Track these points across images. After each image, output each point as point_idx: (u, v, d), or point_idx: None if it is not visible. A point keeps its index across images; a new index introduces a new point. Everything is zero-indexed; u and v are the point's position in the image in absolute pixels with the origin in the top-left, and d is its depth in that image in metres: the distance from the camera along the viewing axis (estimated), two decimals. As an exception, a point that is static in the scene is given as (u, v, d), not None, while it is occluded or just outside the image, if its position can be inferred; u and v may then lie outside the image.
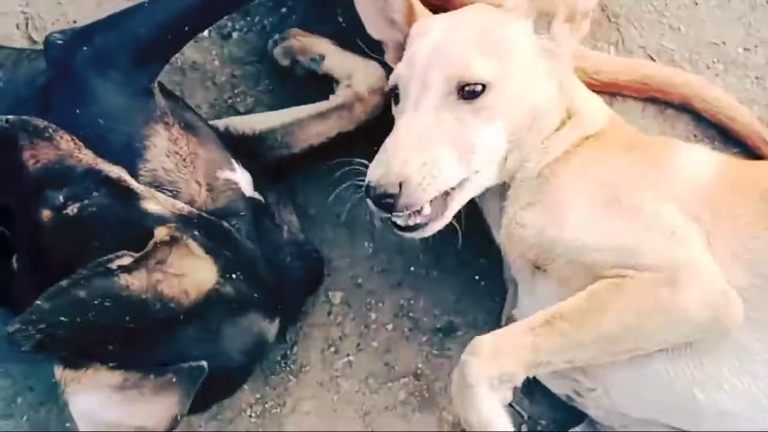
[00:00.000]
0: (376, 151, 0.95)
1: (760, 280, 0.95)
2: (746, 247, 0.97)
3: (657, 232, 0.96)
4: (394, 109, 1.04)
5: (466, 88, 0.98)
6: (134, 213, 1.02)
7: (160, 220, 1.01)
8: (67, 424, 1.17)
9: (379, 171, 0.93)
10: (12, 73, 1.16)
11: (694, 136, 1.22)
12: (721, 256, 0.96)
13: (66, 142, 1.04)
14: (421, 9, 1.10)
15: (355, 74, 1.19)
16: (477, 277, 1.18)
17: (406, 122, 0.97)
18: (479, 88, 0.98)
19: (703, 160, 1.04)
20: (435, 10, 1.11)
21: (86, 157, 1.06)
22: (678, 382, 0.95)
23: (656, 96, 1.23)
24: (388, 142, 0.97)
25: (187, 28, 1.13)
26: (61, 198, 1.01)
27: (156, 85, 1.12)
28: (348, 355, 1.17)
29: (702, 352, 0.94)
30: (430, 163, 0.94)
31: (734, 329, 0.93)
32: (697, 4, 1.26)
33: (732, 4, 1.26)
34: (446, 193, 0.97)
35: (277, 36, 1.24)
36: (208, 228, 1.04)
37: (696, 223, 0.97)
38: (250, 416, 1.15)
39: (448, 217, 0.99)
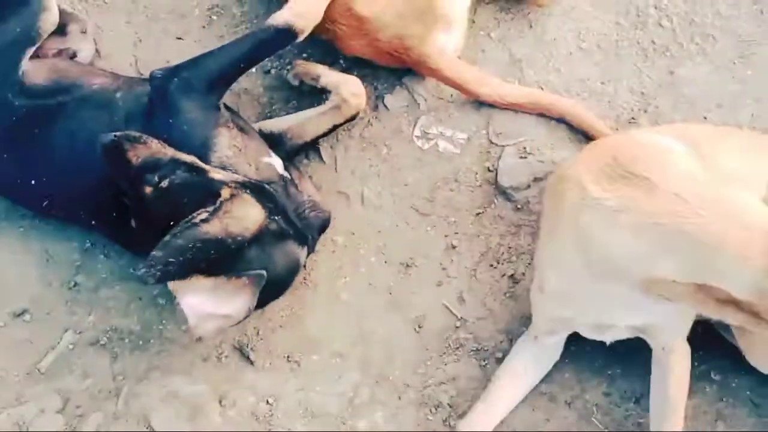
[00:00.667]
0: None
1: None
2: None
3: None
4: None
5: None
6: (205, 181, 1.53)
7: (223, 184, 1.52)
8: (164, 322, 1.79)
9: None
10: (127, 93, 1.73)
11: (568, 138, 1.87)
12: None
13: (155, 143, 1.53)
14: None
15: (341, 86, 1.78)
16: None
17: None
18: None
19: None
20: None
21: (169, 151, 1.57)
22: None
23: (543, 112, 1.87)
24: None
25: (241, 67, 1.72)
26: (156, 178, 1.51)
27: (221, 103, 1.72)
28: (345, 277, 1.79)
29: None
30: None
31: None
32: (571, 54, 1.92)
33: (593, 54, 1.92)
34: None
35: (289, 66, 1.88)
36: (255, 188, 1.56)
37: None
38: (281, 316, 1.77)
39: None
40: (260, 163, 1.69)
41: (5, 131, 1.70)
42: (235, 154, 1.65)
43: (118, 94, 1.71)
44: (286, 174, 1.72)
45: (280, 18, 1.64)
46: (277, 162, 1.72)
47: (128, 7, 1.96)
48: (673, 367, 1.54)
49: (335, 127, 1.81)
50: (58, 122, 1.70)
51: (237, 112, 1.79)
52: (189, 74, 1.66)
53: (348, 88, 1.79)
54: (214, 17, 1.94)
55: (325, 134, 1.82)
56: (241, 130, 1.71)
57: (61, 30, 1.84)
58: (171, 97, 1.64)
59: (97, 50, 1.91)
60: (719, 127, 1.82)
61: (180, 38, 1.93)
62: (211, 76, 1.66)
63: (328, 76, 1.83)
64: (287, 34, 1.65)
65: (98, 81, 1.75)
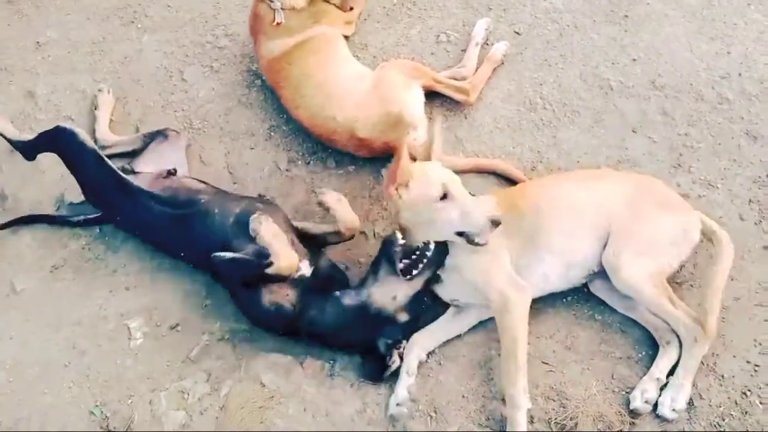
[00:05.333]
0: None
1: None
2: (516, 229, 2.50)
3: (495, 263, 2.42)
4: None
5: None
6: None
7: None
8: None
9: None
10: (222, 210, 2.58)
11: (497, 185, 2.98)
12: (510, 237, 2.50)
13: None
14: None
15: (340, 222, 2.61)
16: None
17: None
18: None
19: (491, 201, 2.54)
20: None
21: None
22: None
23: (480, 170, 2.96)
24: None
25: None
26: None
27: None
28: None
29: None
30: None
31: None
32: (491, 131, 3.07)
33: (505, 130, 3.07)
34: None
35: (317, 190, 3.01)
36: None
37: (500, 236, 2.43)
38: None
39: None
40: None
41: (167, 225, 2.66)
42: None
43: (216, 210, 2.58)
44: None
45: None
46: (305, 267, 2.54)
47: (218, 132, 3.16)
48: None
49: (338, 242, 2.67)
50: (187, 223, 2.62)
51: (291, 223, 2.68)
52: None
53: (344, 224, 2.57)
54: (272, 133, 3.14)
55: (333, 243, 2.68)
56: (292, 242, 2.53)
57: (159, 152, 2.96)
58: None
59: (202, 160, 3.09)
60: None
61: (252, 148, 3.12)
62: None
63: (334, 210, 2.57)
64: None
65: (203, 197, 2.62)
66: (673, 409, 2.38)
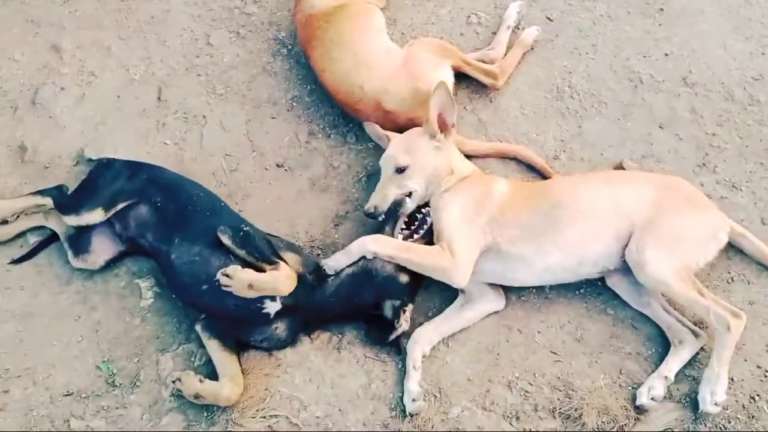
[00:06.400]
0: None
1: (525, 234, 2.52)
2: (519, 220, 2.54)
3: (465, 235, 2.45)
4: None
5: (398, 168, 2.59)
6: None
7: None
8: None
9: (370, 203, 2.57)
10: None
11: (518, 172, 2.97)
12: (506, 226, 2.51)
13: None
14: (393, 135, 2.77)
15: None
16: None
17: (381, 182, 2.62)
18: (402, 167, 2.58)
19: (503, 185, 2.64)
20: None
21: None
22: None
23: (502, 156, 2.96)
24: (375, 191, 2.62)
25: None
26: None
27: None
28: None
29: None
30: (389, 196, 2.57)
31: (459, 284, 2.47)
32: (516, 117, 3.04)
33: (530, 116, 3.03)
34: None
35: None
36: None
37: (491, 221, 2.48)
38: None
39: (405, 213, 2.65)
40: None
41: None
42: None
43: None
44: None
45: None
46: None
47: (240, 99, 3.14)
48: None
49: None
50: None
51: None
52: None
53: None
54: (294, 103, 3.12)
55: None
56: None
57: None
58: None
59: (222, 126, 3.08)
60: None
61: (274, 118, 3.10)
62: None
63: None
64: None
65: None
66: (716, 403, 2.33)
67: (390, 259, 2.50)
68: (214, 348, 2.53)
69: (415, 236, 2.60)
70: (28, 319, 2.73)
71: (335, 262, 2.52)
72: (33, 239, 2.87)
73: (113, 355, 2.65)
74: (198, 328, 2.60)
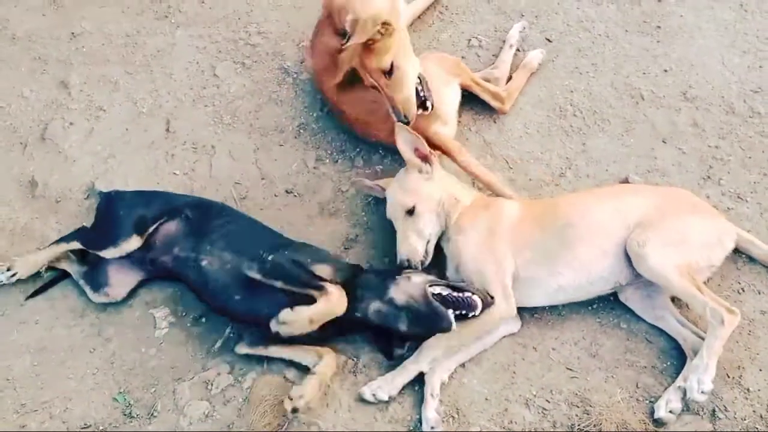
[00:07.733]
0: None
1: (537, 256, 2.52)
2: (531, 242, 2.53)
3: (492, 270, 2.48)
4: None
5: (408, 210, 2.59)
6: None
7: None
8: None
9: (401, 255, 2.57)
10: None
11: (525, 189, 3.01)
12: (519, 248, 2.52)
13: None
14: (383, 183, 2.80)
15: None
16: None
17: (399, 231, 2.61)
18: (410, 208, 2.58)
19: (514, 208, 2.63)
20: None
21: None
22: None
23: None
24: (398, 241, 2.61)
25: None
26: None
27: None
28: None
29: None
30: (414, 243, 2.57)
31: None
32: (521, 137, 3.08)
33: (534, 135, 3.08)
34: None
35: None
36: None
37: (508, 244, 2.50)
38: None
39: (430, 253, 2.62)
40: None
41: None
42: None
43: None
44: None
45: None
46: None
47: (247, 128, 3.19)
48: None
49: None
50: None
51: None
52: None
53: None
54: (301, 130, 3.16)
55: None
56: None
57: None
58: None
59: (231, 156, 3.12)
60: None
61: (281, 145, 3.14)
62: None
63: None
64: None
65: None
66: (702, 392, 2.34)
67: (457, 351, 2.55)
68: (277, 350, 2.57)
69: (470, 315, 2.47)
70: (43, 353, 2.74)
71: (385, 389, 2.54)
72: (46, 273, 2.88)
73: (129, 386, 2.65)
74: (244, 350, 2.62)
